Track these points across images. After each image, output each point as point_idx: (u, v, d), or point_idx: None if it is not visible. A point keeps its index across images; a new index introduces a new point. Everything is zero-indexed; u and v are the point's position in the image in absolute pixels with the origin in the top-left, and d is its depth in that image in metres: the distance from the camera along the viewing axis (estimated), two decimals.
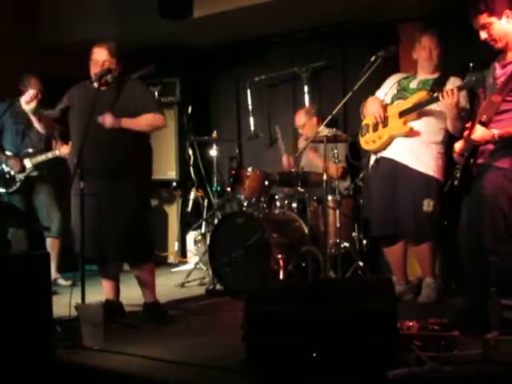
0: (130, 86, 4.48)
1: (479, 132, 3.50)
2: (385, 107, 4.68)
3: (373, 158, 4.83)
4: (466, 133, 3.60)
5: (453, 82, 4.51)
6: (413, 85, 4.67)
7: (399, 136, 4.58)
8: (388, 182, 4.65)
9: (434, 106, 4.50)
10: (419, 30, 4.69)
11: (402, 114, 4.56)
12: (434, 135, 4.58)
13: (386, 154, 4.67)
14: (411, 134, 4.54)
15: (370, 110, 4.73)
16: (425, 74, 4.66)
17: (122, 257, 4.46)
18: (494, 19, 3.52)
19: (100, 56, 4.35)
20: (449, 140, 4.52)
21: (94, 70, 4.34)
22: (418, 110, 4.51)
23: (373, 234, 5.04)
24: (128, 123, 4.31)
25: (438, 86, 4.51)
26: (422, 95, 4.52)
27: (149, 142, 4.57)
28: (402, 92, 4.68)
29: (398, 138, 4.60)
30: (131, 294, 4.76)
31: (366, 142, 4.77)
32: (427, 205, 4.50)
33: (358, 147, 5.64)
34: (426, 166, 4.54)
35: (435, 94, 4.42)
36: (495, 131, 3.46)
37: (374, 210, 4.81)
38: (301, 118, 6.04)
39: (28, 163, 5.62)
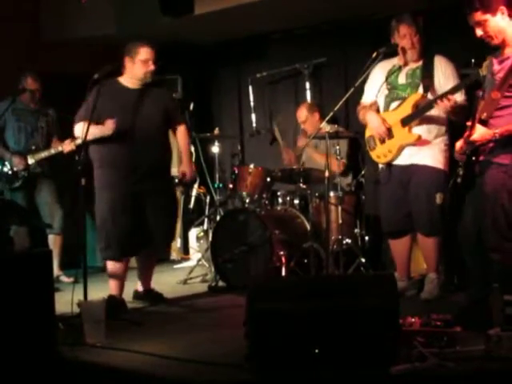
0: (162, 89, 4.76)
1: (479, 132, 3.50)
2: (383, 119, 4.63)
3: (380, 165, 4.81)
4: (466, 133, 3.60)
5: (439, 62, 4.51)
6: (401, 80, 4.63)
7: (408, 145, 4.55)
8: (400, 183, 4.62)
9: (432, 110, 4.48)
10: (395, 21, 4.63)
11: (404, 123, 4.52)
12: (437, 129, 4.57)
13: (396, 161, 4.64)
14: (420, 142, 4.52)
15: (372, 126, 4.70)
16: (409, 62, 4.61)
17: (162, 249, 4.97)
18: (488, 16, 3.52)
19: (149, 55, 4.49)
20: (452, 130, 4.51)
21: (144, 69, 4.47)
22: (419, 117, 4.49)
23: (384, 231, 5.01)
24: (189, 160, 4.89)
25: (426, 79, 4.49)
26: (417, 98, 4.49)
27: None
28: (393, 91, 4.64)
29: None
30: (131, 291, 4.77)
31: (378, 156, 4.73)
32: (439, 198, 4.50)
33: (358, 145, 5.68)
34: (435, 160, 4.53)
35: (429, 98, 4.42)
36: (496, 130, 3.46)
37: (385, 209, 4.79)
38: (302, 114, 6.03)
39: (31, 160, 5.62)
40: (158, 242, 4.63)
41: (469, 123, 3.60)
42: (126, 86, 4.52)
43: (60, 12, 6.60)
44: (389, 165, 4.68)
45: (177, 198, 5.01)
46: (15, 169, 5.60)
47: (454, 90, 4.27)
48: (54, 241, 5.78)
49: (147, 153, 4.45)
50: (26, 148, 5.69)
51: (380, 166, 4.81)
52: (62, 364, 3.32)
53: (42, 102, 5.79)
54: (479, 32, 3.58)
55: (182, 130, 4.80)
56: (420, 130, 4.54)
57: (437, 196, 4.49)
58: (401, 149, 4.59)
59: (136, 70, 4.48)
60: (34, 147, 5.67)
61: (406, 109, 4.53)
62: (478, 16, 3.53)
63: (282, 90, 6.90)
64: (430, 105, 4.41)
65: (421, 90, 4.52)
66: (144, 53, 4.48)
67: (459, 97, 4.39)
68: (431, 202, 4.48)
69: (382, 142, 4.66)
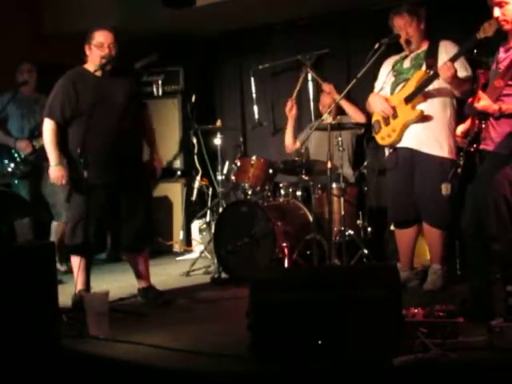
0: (131, 75, 4.61)
1: (483, 102, 3.46)
2: (387, 99, 4.66)
3: (387, 151, 4.81)
4: (469, 100, 3.58)
5: (445, 45, 4.52)
6: (406, 64, 4.66)
7: (412, 122, 4.54)
8: (405, 169, 4.62)
9: (434, 84, 4.48)
10: (391, 14, 4.66)
11: (407, 99, 4.53)
12: (442, 112, 4.54)
13: (401, 144, 4.64)
14: (423, 116, 4.51)
15: (375, 107, 4.72)
16: (413, 50, 4.64)
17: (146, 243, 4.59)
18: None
19: (103, 39, 4.35)
20: (457, 116, 4.50)
21: (100, 53, 4.32)
22: (422, 91, 4.48)
23: (389, 221, 5.00)
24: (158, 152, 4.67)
25: (431, 59, 4.50)
26: (421, 75, 4.50)
27: None
28: (399, 76, 4.67)
29: (410, 126, 4.58)
30: (134, 282, 4.77)
31: (382, 138, 4.74)
32: (445, 189, 4.47)
33: (361, 137, 5.67)
34: (441, 149, 4.51)
35: (432, 72, 4.41)
36: (503, 106, 3.44)
37: (391, 195, 4.79)
38: (327, 100, 5.98)
39: (37, 144, 5.62)
40: (142, 234, 4.46)
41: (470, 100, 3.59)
42: (93, 73, 4.36)
43: (60, 3, 6.58)
44: (394, 149, 4.68)
45: (151, 191, 4.85)
46: (23, 154, 5.61)
47: (453, 58, 4.24)
48: (56, 228, 5.77)
49: (123, 143, 4.34)
50: (30, 134, 5.70)
51: (386, 152, 4.81)
52: (65, 356, 3.33)
53: (41, 93, 5.77)
54: (497, 13, 3.54)
55: (147, 114, 4.68)
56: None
57: (442, 186, 4.46)
58: (405, 127, 4.57)
59: (93, 55, 4.36)
60: (37, 132, 5.65)
61: (410, 87, 4.54)
62: None
63: (284, 82, 6.88)
64: (432, 77, 4.41)
65: (424, 68, 4.53)
66: (98, 36, 4.35)
67: (464, 71, 4.40)
68: (436, 192, 4.47)
69: (387, 124, 4.66)
